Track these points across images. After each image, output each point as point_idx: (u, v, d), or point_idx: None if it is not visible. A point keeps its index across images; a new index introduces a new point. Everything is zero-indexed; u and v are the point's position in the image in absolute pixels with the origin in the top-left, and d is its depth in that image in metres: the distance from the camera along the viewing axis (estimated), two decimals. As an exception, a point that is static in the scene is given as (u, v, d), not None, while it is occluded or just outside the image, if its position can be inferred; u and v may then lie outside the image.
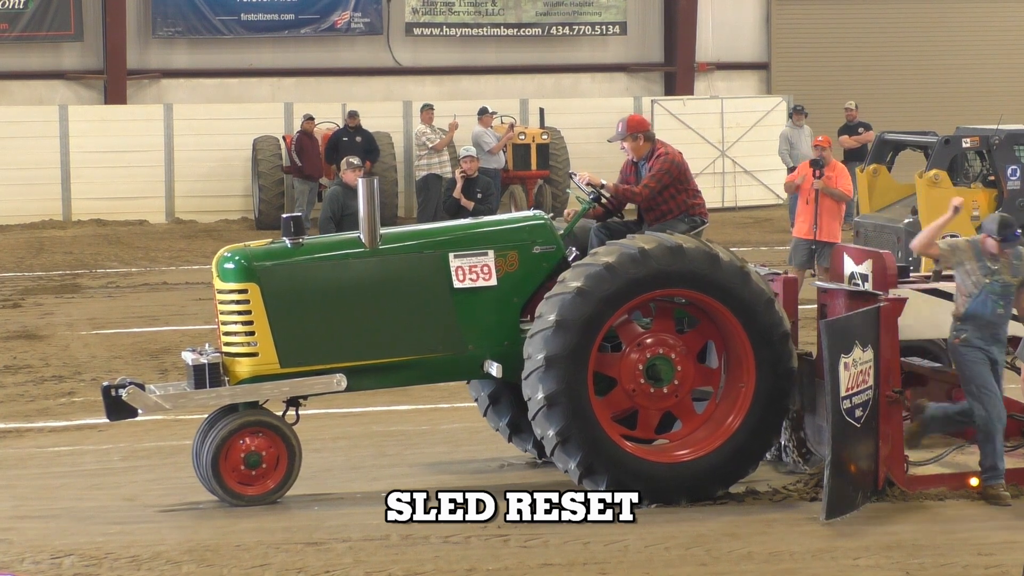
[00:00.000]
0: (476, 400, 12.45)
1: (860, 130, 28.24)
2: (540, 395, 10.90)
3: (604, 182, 12.01)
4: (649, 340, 11.26)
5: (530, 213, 12.03)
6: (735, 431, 11.19)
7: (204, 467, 11.25)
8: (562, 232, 11.79)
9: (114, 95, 31.96)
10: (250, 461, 11.21)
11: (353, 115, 29.12)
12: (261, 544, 10.22)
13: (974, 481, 11.24)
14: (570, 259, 11.51)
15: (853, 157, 27.23)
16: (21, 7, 31.51)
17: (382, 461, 12.69)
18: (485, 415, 12.40)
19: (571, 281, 10.97)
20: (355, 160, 17.66)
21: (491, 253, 11.55)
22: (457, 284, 11.47)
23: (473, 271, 11.50)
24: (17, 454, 13.17)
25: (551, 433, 10.94)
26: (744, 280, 11.08)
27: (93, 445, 13.46)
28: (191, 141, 30.98)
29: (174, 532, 10.64)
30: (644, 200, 11.89)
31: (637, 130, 12.06)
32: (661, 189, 11.86)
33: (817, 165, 18.65)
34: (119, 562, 9.89)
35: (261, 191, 30.08)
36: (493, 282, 11.52)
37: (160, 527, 10.78)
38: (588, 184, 12.00)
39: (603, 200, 12.07)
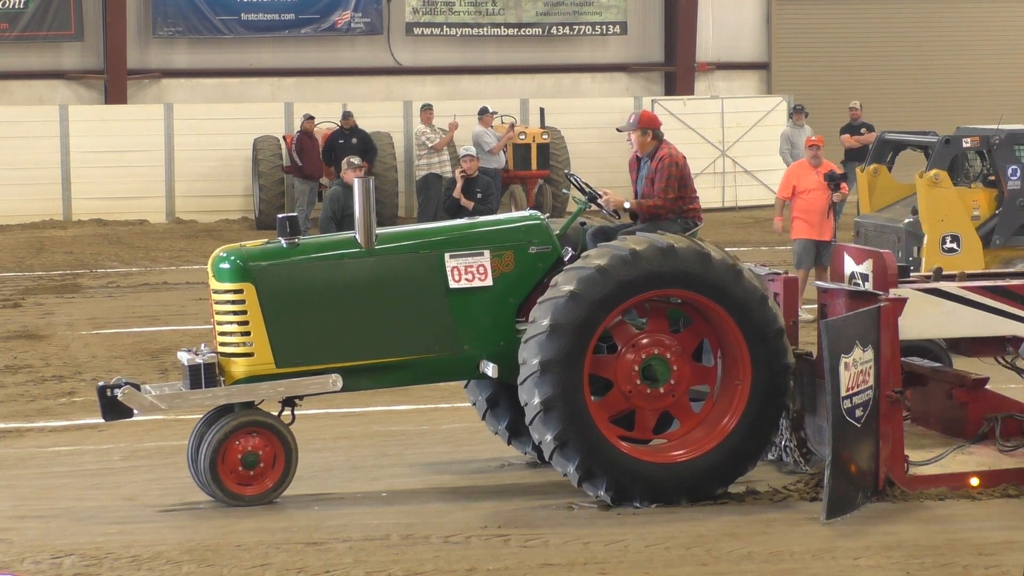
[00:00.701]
0: (474, 404, 12.45)
1: (863, 130, 28.25)
2: (536, 400, 10.89)
3: (627, 205, 11.95)
4: (644, 340, 11.26)
5: (526, 213, 12.02)
6: (733, 429, 11.19)
7: (202, 471, 11.24)
8: (557, 232, 11.78)
9: (114, 95, 31.97)
10: (248, 461, 11.21)
11: (347, 116, 29.14)
12: (261, 544, 10.22)
13: (974, 481, 11.24)
14: (566, 259, 11.50)
15: (853, 157, 27.27)
16: (21, 7, 31.52)
17: (382, 461, 12.69)
18: (484, 419, 12.39)
19: (563, 285, 10.95)
20: (356, 160, 17.68)
21: (487, 253, 11.54)
22: (453, 284, 11.46)
23: (469, 271, 11.49)
24: (17, 454, 13.17)
25: (548, 437, 10.93)
26: (737, 278, 11.08)
27: (93, 445, 13.47)
28: (191, 141, 30.99)
29: (174, 532, 10.64)
30: (669, 209, 11.85)
31: (647, 125, 12.07)
32: (678, 190, 11.84)
33: (832, 179, 18.77)
34: (119, 562, 9.89)
35: (261, 191, 30.10)
36: (489, 282, 11.51)
37: (160, 527, 10.77)
38: (614, 210, 11.95)
39: (599, 202, 12.07)
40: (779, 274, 11.95)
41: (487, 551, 10.05)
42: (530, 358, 10.91)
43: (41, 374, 16.50)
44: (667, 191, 11.83)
